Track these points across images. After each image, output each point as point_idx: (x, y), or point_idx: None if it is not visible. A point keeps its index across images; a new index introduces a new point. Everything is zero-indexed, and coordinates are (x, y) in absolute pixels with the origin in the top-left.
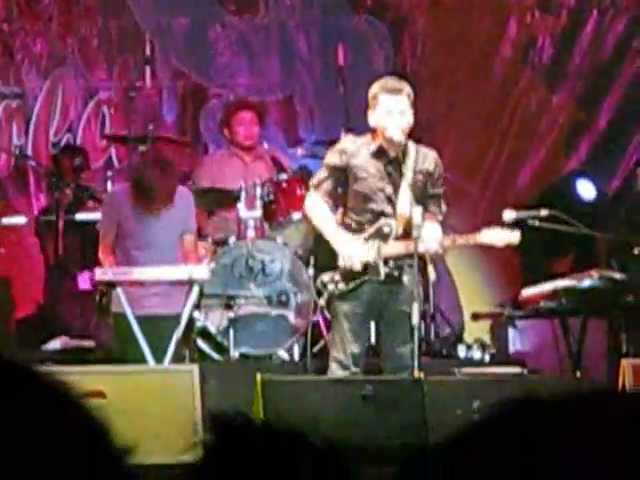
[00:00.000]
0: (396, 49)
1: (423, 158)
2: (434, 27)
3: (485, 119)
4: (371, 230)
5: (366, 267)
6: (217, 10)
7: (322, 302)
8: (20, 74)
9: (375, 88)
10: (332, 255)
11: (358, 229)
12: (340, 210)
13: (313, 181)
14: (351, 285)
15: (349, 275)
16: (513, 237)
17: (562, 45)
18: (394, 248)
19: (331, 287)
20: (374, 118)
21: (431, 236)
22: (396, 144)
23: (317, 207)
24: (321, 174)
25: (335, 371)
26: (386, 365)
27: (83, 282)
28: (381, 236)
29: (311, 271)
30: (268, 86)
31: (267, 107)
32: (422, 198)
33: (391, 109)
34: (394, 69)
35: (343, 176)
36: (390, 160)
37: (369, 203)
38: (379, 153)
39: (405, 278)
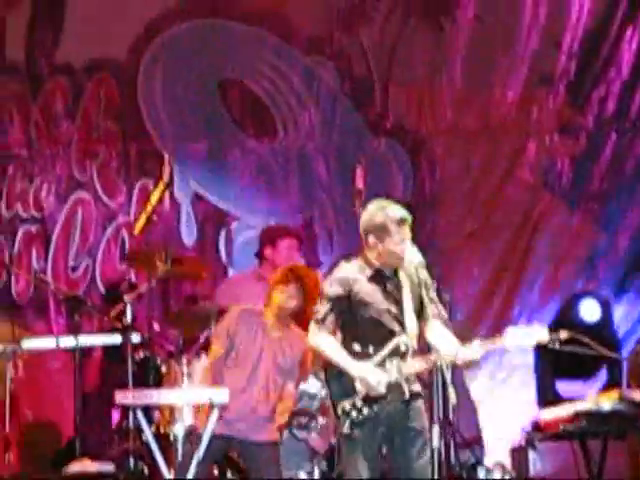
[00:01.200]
0: (415, 172)
1: (413, 268)
2: (453, 150)
3: (505, 245)
4: (385, 351)
5: (388, 388)
6: (236, 134)
7: (346, 430)
8: (39, 198)
9: (383, 218)
10: (346, 382)
11: (369, 353)
12: (341, 337)
13: (317, 316)
14: (375, 409)
15: (371, 399)
16: (541, 335)
17: (581, 168)
18: (415, 365)
19: (354, 414)
20: (383, 246)
21: (450, 345)
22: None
23: (326, 342)
24: (323, 308)
25: None
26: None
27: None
28: (399, 355)
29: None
30: (288, 209)
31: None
32: (420, 307)
33: (403, 239)
34: (413, 192)
35: (346, 304)
36: (387, 279)
37: (379, 326)
38: (377, 276)
39: (420, 397)
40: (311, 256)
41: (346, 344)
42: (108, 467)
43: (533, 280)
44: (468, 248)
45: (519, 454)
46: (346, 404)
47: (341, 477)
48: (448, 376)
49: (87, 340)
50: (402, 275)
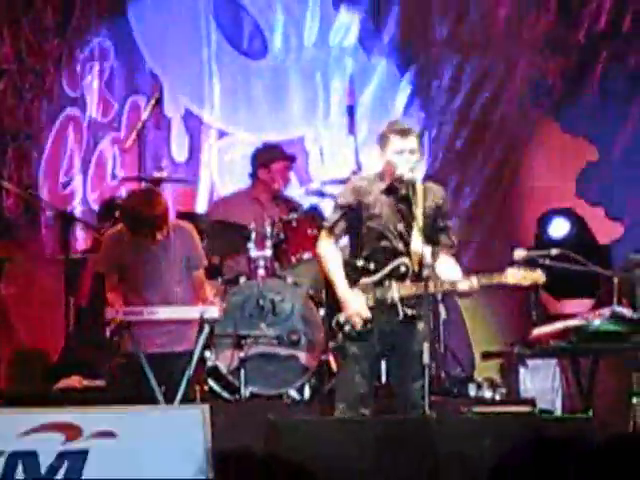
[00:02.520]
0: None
1: (431, 194)
2: (444, 67)
3: (496, 161)
4: (386, 270)
5: (384, 307)
6: (227, 49)
7: (333, 344)
8: (30, 114)
9: (384, 128)
10: None
11: (371, 268)
12: (351, 249)
13: (327, 223)
14: (369, 326)
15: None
16: (538, 276)
17: (572, 85)
18: (412, 288)
19: (348, 328)
20: (384, 157)
21: (449, 273)
22: (406, 182)
23: (330, 254)
24: (335, 215)
25: (343, 411)
26: (398, 403)
27: None
28: (398, 276)
29: (322, 310)
30: (280, 126)
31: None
32: (433, 232)
33: (401, 149)
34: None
35: (356, 214)
36: (401, 198)
37: (382, 241)
38: (390, 191)
39: (419, 317)
40: (302, 172)
41: (350, 257)
42: (98, 383)
43: (524, 195)
44: (459, 166)
45: (509, 370)
46: (341, 317)
47: (333, 392)
48: (439, 295)
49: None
50: (418, 196)
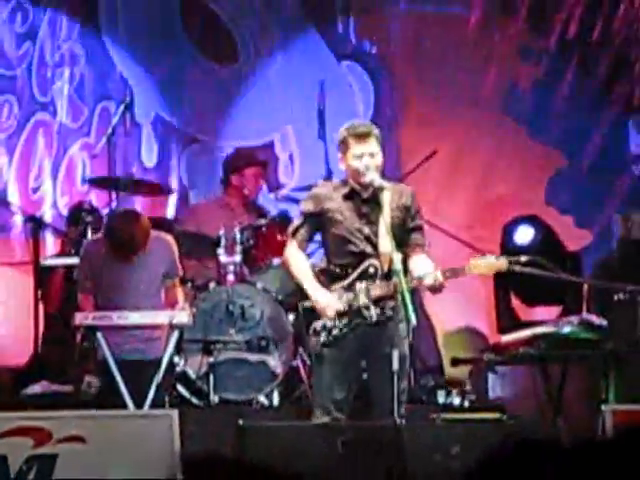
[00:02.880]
0: (377, 95)
1: (399, 194)
2: (414, 73)
3: (468, 167)
4: (355, 274)
5: (357, 310)
6: (197, 57)
7: (317, 349)
8: (0, 119)
9: (343, 133)
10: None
11: (342, 273)
12: (322, 256)
13: (290, 229)
14: (344, 330)
15: (339, 320)
16: (501, 264)
17: (542, 92)
18: (383, 288)
19: (324, 335)
20: (345, 162)
21: (426, 269)
22: (369, 185)
23: (294, 257)
24: (297, 222)
25: (319, 417)
26: (374, 410)
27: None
28: (367, 277)
29: (292, 316)
30: (249, 132)
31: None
32: (403, 233)
33: (361, 152)
34: (375, 115)
35: (319, 221)
36: (364, 200)
37: (348, 245)
38: (352, 195)
39: (391, 319)
40: (272, 178)
41: (324, 264)
42: (67, 388)
43: (492, 202)
44: (431, 171)
45: (479, 377)
46: (317, 324)
47: (302, 398)
48: (408, 298)
49: (48, 261)
50: (384, 197)
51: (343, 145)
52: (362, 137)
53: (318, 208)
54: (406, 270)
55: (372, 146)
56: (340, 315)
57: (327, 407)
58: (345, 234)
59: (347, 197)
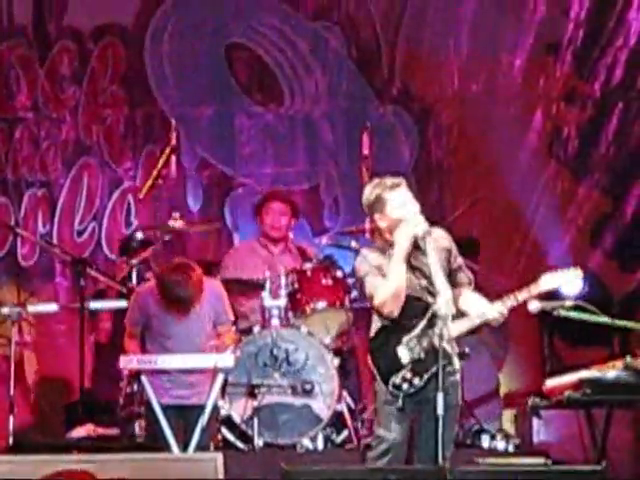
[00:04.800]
0: (422, 139)
1: (436, 238)
2: (459, 117)
3: (510, 210)
4: (426, 320)
5: (435, 355)
6: (243, 100)
7: (399, 405)
8: (46, 162)
9: (375, 191)
10: (393, 359)
11: (410, 325)
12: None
13: (373, 294)
14: (425, 377)
15: (419, 369)
16: (576, 275)
17: (587, 136)
18: (460, 327)
19: (406, 387)
20: (386, 219)
21: (482, 304)
22: (414, 236)
23: (382, 282)
24: (376, 282)
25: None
26: (418, 453)
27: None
28: (442, 320)
29: (337, 360)
30: (294, 175)
31: (293, 197)
32: (449, 275)
33: (403, 201)
34: (419, 159)
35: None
36: (413, 256)
37: (413, 302)
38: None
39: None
40: (316, 222)
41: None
42: (112, 431)
43: (538, 247)
44: (474, 216)
45: (523, 421)
46: (396, 379)
47: (345, 442)
48: (448, 343)
49: (94, 305)
50: (426, 245)
51: (378, 203)
52: (398, 187)
53: (376, 267)
54: (458, 312)
55: (407, 193)
56: (416, 363)
57: (398, 446)
58: (408, 292)
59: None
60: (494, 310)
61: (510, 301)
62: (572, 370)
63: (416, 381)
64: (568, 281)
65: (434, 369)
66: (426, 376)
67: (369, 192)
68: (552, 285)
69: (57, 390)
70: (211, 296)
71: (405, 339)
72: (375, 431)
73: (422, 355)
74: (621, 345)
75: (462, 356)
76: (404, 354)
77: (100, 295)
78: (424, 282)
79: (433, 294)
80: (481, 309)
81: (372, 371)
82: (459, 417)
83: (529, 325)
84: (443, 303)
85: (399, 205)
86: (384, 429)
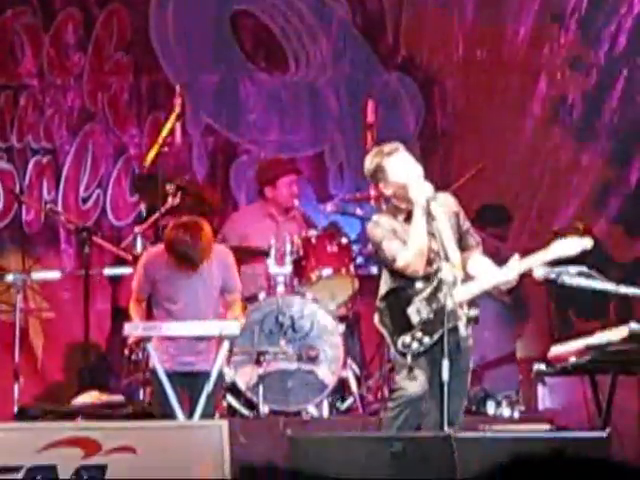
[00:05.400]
0: (427, 106)
1: (444, 202)
2: (464, 85)
3: (515, 176)
4: (435, 282)
5: (444, 315)
6: (248, 67)
7: (410, 362)
8: (50, 130)
9: (376, 159)
10: (403, 319)
11: (421, 288)
12: (390, 277)
13: (395, 256)
14: (435, 337)
15: (429, 329)
16: (586, 243)
17: (592, 103)
18: (467, 291)
19: (415, 345)
20: (390, 185)
21: (491, 268)
22: (424, 195)
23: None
24: (394, 245)
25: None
26: (425, 418)
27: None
28: (448, 285)
29: (342, 327)
30: (299, 142)
31: (298, 164)
32: (459, 238)
33: (404, 165)
34: (424, 126)
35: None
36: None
37: (425, 267)
38: (410, 216)
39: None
40: (322, 189)
41: (395, 281)
42: (117, 398)
43: (543, 214)
44: (479, 183)
45: (528, 388)
46: (406, 338)
47: (350, 409)
48: (454, 307)
49: (108, 272)
50: (435, 209)
51: (380, 171)
52: (396, 151)
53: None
54: (467, 275)
55: (409, 157)
56: (426, 323)
57: (417, 401)
58: None
59: (406, 221)
60: (504, 275)
61: (521, 265)
62: (577, 337)
63: (426, 340)
64: (579, 248)
65: (443, 328)
66: (436, 336)
67: (369, 162)
68: (563, 252)
69: (63, 358)
70: (220, 263)
71: (415, 300)
72: (396, 383)
73: (431, 316)
74: (620, 311)
75: (470, 320)
76: (414, 314)
77: (122, 262)
78: (435, 246)
79: (446, 257)
80: (491, 274)
81: (381, 332)
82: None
83: (539, 293)
84: (448, 269)
85: (400, 169)
86: (404, 382)
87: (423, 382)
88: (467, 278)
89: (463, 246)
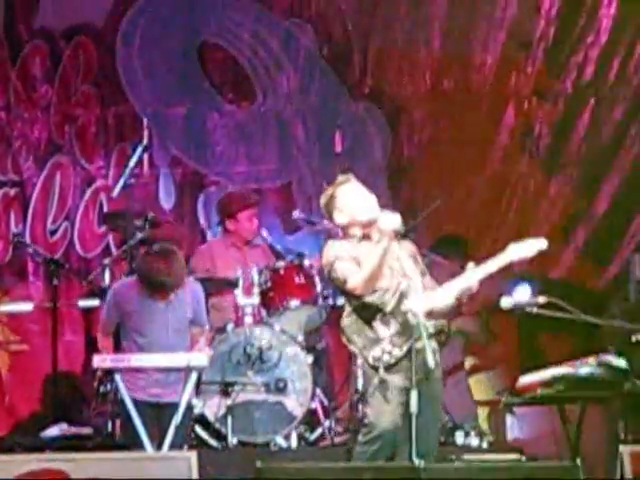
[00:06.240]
0: (393, 136)
1: (404, 245)
2: (431, 115)
3: (482, 205)
4: (394, 301)
5: (410, 328)
6: (215, 99)
7: (382, 375)
8: (18, 162)
9: (328, 192)
10: (370, 334)
11: (377, 307)
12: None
13: (346, 277)
14: (404, 349)
15: (397, 341)
16: (540, 244)
17: (559, 133)
18: (431, 300)
19: (386, 358)
20: (342, 214)
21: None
22: (374, 222)
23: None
24: (347, 265)
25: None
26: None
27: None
28: (406, 296)
29: (310, 358)
30: (266, 174)
31: (265, 195)
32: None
33: (355, 193)
34: (391, 156)
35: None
36: (377, 241)
37: (385, 281)
38: (364, 238)
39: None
40: (289, 220)
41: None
42: (85, 430)
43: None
44: (445, 213)
45: (497, 418)
46: (376, 351)
47: (319, 439)
48: (426, 340)
49: (71, 303)
50: (394, 245)
51: (333, 200)
52: (346, 182)
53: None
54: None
55: (360, 187)
56: (394, 336)
57: (389, 434)
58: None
59: (365, 240)
60: (465, 280)
61: (480, 271)
62: (545, 367)
63: (396, 351)
64: (534, 249)
65: (412, 341)
66: (405, 347)
67: (323, 196)
68: (519, 254)
69: (32, 390)
70: (191, 295)
71: (379, 314)
72: (366, 417)
73: (399, 328)
74: (593, 341)
75: (440, 335)
76: (380, 328)
77: (93, 294)
78: (396, 265)
79: (404, 275)
80: (452, 284)
81: (352, 353)
82: None
83: (508, 323)
84: (408, 284)
85: (351, 195)
86: (375, 416)
87: (395, 415)
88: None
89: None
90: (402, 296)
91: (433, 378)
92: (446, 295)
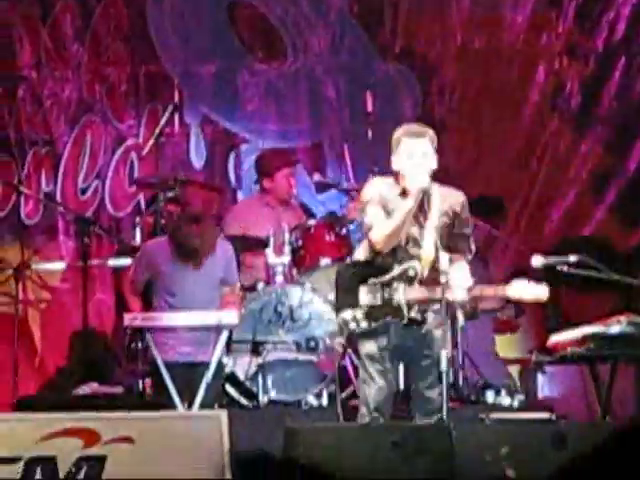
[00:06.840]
0: (424, 96)
1: (449, 199)
2: (462, 75)
3: (513, 165)
4: (396, 272)
5: (390, 308)
6: (245, 57)
7: (341, 340)
8: (49, 121)
9: (398, 132)
10: (354, 294)
11: (383, 269)
12: (367, 245)
13: (372, 226)
14: (373, 325)
15: (372, 314)
16: (541, 293)
17: (590, 91)
18: (419, 292)
19: (352, 325)
20: (397, 161)
21: (459, 281)
22: (418, 187)
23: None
24: (376, 213)
25: (364, 415)
26: (415, 410)
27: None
28: (406, 279)
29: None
30: (297, 132)
31: (296, 153)
32: (449, 238)
33: (413, 152)
34: (422, 116)
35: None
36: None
37: (397, 248)
38: (404, 196)
39: (430, 322)
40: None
41: (370, 253)
42: (116, 390)
43: (541, 203)
44: (476, 173)
45: (528, 377)
46: (346, 314)
47: (351, 398)
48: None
49: (97, 262)
50: (433, 201)
51: (396, 144)
52: (415, 136)
53: (381, 197)
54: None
55: (424, 147)
56: (372, 308)
57: (371, 404)
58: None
59: (401, 196)
60: (457, 291)
61: (475, 291)
62: (576, 325)
63: (364, 324)
64: (535, 295)
65: (385, 319)
66: (374, 324)
67: (395, 132)
68: (519, 295)
69: (63, 349)
70: (222, 256)
71: (371, 280)
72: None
73: (379, 302)
74: (623, 300)
75: (412, 321)
76: (364, 295)
77: (123, 252)
78: (415, 231)
79: (419, 246)
80: (450, 282)
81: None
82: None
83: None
84: (415, 263)
85: (406, 155)
86: (363, 385)
87: (382, 386)
88: (435, 274)
89: (452, 247)
90: (402, 274)
91: (424, 335)
92: (434, 294)
